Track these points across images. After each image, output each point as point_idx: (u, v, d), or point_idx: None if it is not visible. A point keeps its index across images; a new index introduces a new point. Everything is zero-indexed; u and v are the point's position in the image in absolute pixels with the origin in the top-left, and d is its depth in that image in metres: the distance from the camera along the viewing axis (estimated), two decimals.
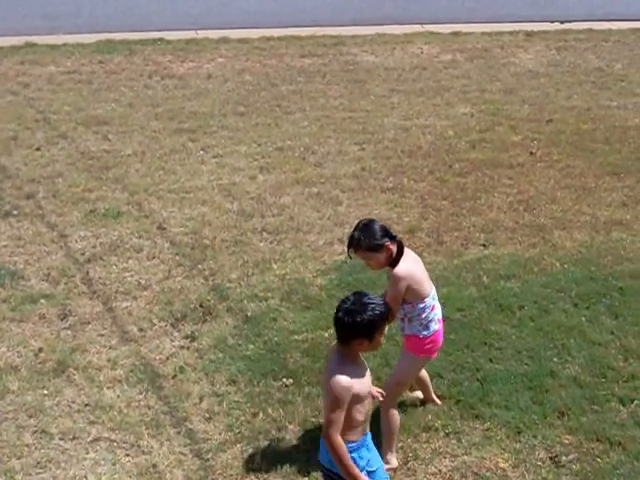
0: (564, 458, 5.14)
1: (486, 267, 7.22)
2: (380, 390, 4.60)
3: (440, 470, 5.09)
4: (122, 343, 6.26)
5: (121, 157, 9.53)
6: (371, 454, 4.40)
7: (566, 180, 8.96)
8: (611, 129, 10.44)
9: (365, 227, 4.80)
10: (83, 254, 7.47)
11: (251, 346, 6.21)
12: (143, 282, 7.04)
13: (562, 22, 15.67)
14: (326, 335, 6.27)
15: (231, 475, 5.07)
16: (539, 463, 5.12)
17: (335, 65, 13.11)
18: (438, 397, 5.62)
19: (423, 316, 4.94)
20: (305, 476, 5.03)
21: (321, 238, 7.75)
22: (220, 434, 5.37)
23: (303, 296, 6.83)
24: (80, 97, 11.54)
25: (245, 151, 9.73)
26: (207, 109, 11.09)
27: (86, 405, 5.60)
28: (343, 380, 4.09)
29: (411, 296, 4.88)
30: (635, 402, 5.57)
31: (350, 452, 4.21)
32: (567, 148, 9.82)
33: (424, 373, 5.46)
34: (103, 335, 6.36)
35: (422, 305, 4.92)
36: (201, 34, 14.62)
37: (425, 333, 4.98)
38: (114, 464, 5.14)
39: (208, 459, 5.18)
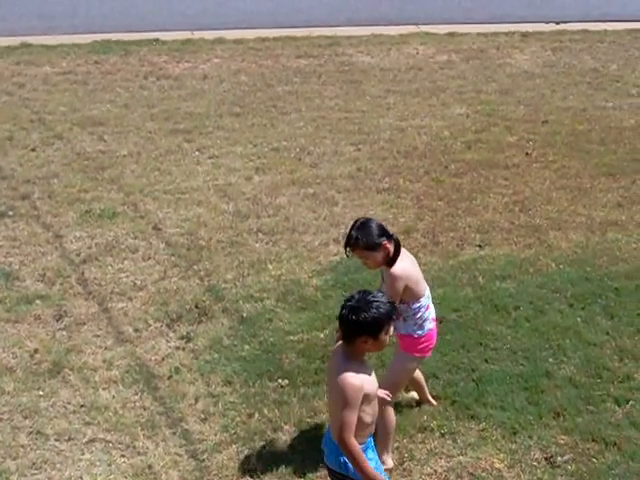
0: (559, 458, 5.14)
1: (482, 268, 7.23)
2: (386, 391, 4.59)
3: (436, 470, 5.09)
4: (117, 344, 6.25)
5: (117, 158, 9.52)
6: (375, 455, 4.41)
7: (562, 181, 8.97)
8: (606, 130, 10.45)
9: (363, 226, 4.80)
10: (78, 255, 7.46)
11: (246, 347, 6.21)
12: (139, 283, 7.03)
13: (558, 23, 15.68)
14: (322, 336, 6.27)
15: (227, 476, 5.07)
16: (534, 463, 5.13)
17: (331, 66, 13.10)
18: (434, 397, 5.62)
19: (418, 316, 4.95)
20: (301, 477, 5.03)
21: (317, 239, 7.75)
22: (216, 435, 5.37)
23: (299, 297, 6.82)
24: (75, 98, 11.53)
25: (241, 152, 9.72)
26: (203, 110, 11.09)
27: (81, 406, 5.60)
28: (355, 380, 4.07)
29: (408, 296, 4.89)
30: (630, 402, 5.58)
31: None
32: (562, 149, 9.83)
33: (418, 374, 5.46)
34: (98, 336, 6.36)
35: (417, 305, 4.93)
36: (197, 34, 14.62)
37: (420, 333, 4.99)
38: (110, 465, 5.13)
39: (204, 460, 5.18)
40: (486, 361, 6.01)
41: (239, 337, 6.33)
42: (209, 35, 14.51)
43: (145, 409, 5.59)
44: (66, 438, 5.32)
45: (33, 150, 9.71)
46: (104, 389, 5.76)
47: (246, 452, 5.23)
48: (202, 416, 5.52)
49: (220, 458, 5.18)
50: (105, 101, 11.39)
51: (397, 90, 11.97)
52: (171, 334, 6.38)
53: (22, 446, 5.26)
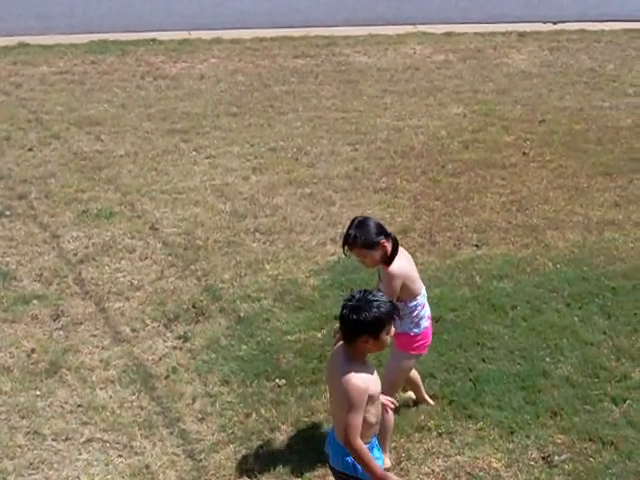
0: (557, 458, 5.15)
1: (479, 267, 7.23)
2: (392, 399, 4.58)
3: (433, 470, 5.09)
4: (115, 344, 6.25)
5: (113, 158, 9.51)
6: (381, 453, 4.41)
7: (559, 180, 8.98)
8: (603, 129, 10.46)
9: (361, 224, 4.79)
10: (75, 255, 7.45)
11: (244, 346, 6.21)
12: (136, 283, 7.03)
13: (555, 23, 15.69)
14: (319, 335, 6.27)
15: (224, 476, 5.06)
16: (532, 463, 5.13)
17: (328, 66, 13.10)
18: (431, 397, 5.63)
19: (415, 314, 4.96)
20: (298, 476, 5.03)
21: (314, 238, 7.75)
22: (213, 434, 5.37)
23: (296, 296, 6.82)
24: (72, 97, 11.52)
25: (238, 152, 9.72)
26: (200, 110, 11.08)
27: (79, 406, 5.59)
28: (359, 382, 4.05)
29: (405, 294, 4.89)
30: (627, 402, 5.58)
31: None
32: (560, 148, 9.84)
33: (415, 373, 5.47)
34: (96, 336, 6.35)
35: (414, 303, 4.94)
36: (194, 34, 14.61)
37: (416, 331, 5.00)
38: (107, 465, 5.13)
39: (201, 460, 5.18)
40: (483, 361, 6.01)
41: (236, 337, 6.32)
42: (206, 35, 14.50)
43: (142, 409, 5.58)
44: (63, 438, 5.32)
45: (30, 150, 9.70)
46: (101, 389, 5.75)
47: (243, 452, 5.22)
48: (199, 416, 5.52)
49: (217, 458, 5.18)
50: (102, 101, 11.38)
51: (394, 90, 11.97)
52: (168, 334, 6.38)
53: (19, 446, 5.25)
